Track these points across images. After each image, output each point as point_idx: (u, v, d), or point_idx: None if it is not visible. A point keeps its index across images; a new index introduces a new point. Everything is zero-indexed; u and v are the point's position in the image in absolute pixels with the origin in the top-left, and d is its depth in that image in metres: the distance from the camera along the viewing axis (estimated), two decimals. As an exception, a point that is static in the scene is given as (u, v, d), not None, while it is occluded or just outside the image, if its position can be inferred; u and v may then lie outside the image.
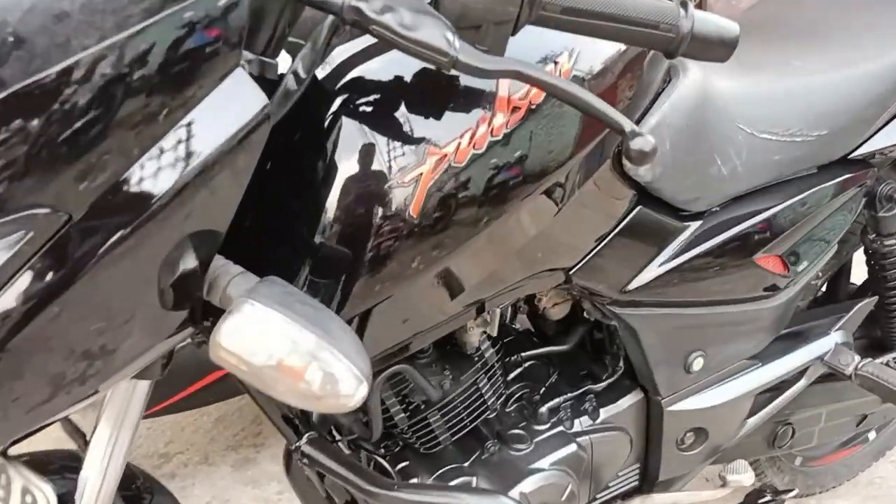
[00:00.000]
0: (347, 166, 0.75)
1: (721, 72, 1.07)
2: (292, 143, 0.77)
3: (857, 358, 1.28)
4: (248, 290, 0.63)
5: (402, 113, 0.77)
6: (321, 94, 0.75)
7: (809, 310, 1.41)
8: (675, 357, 1.15)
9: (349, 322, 0.82)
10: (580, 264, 0.99)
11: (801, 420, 1.44)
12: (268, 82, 0.68)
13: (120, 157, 0.56)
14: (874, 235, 1.30)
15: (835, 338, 1.31)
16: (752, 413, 1.29)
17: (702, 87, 1.04)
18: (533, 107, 0.81)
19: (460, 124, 0.78)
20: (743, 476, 1.29)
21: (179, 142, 0.59)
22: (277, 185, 0.77)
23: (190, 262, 0.64)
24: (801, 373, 1.30)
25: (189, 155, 0.59)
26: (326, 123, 0.75)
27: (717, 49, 0.73)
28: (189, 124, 0.59)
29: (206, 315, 0.69)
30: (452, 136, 0.77)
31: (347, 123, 0.75)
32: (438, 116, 0.78)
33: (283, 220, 0.79)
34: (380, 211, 0.76)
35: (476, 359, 1.08)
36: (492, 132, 0.79)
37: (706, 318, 1.14)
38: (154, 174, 0.58)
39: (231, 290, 0.65)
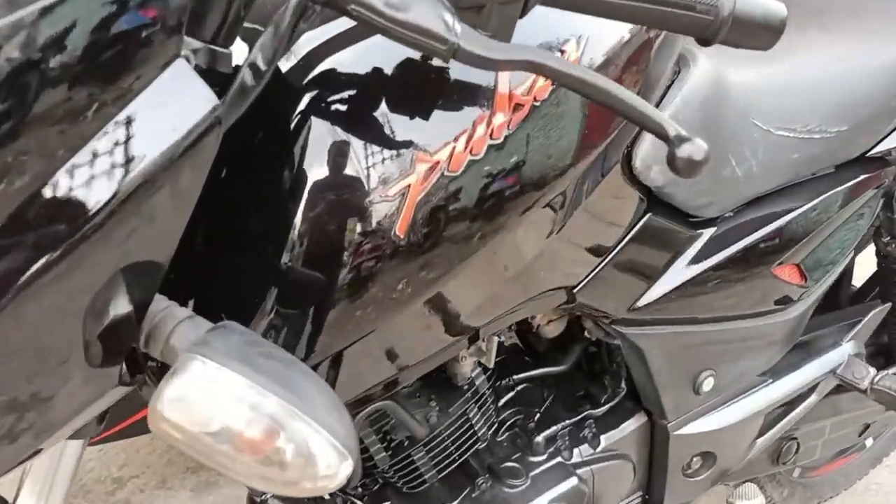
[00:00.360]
0: (318, 177, 0.63)
1: (732, 62, 0.97)
2: (251, 148, 0.65)
3: (873, 371, 1.19)
4: (196, 342, 0.50)
5: (384, 113, 0.64)
6: (286, 90, 0.64)
7: (815, 317, 1.31)
8: (683, 378, 1.05)
9: (325, 361, 0.69)
10: (585, 282, 0.88)
11: (806, 434, 1.36)
12: (220, 77, 0.55)
13: (42, 159, 0.45)
14: (888, 238, 1.21)
15: (847, 349, 1.22)
16: (761, 433, 1.19)
17: (714, 80, 0.93)
18: (537, 104, 0.69)
19: (454, 126, 0.66)
20: (753, 501, 1.20)
21: (108, 149, 0.47)
22: (233, 198, 0.65)
23: (122, 304, 0.51)
24: (812, 388, 1.21)
25: (121, 166, 0.48)
26: (293, 126, 0.63)
27: (760, 35, 0.62)
28: (122, 126, 0.48)
29: (146, 358, 0.56)
30: (445, 140, 0.65)
31: (318, 126, 0.63)
32: (428, 116, 0.66)
33: (241, 240, 0.67)
34: (359, 229, 0.64)
35: (466, 388, 0.96)
36: (491, 134, 0.67)
37: (718, 334, 1.04)
38: (80, 185, 0.47)
39: (175, 340, 0.52)
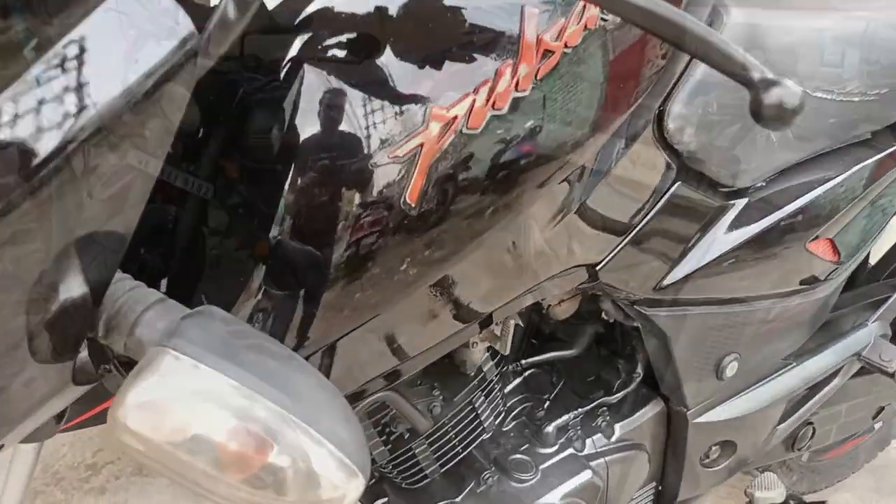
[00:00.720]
0: (312, 136, 0.54)
1: (767, 17, 0.88)
2: (233, 99, 0.55)
3: (901, 353, 1.12)
4: (167, 332, 0.41)
5: (390, 60, 0.55)
6: (273, 31, 0.54)
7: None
8: (707, 362, 0.97)
9: (318, 351, 0.60)
10: (609, 258, 0.79)
11: (822, 418, 1.29)
12: (196, 9, 0.46)
13: None
14: (923, 210, 1.13)
15: (872, 330, 1.15)
16: (782, 419, 1.12)
17: (748, 36, 0.85)
18: (568, 50, 0.60)
19: (474, 75, 0.57)
20: (773, 493, 1.13)
21: (51, 88, 0.37)
22: (212, 159, 0.56)
23: (74, 284, 0.41)
24: (836, 371, 1.13)
25: (68, 110, 0.38)
26: (283, 73, 0.54)
27: None
28: (68, 56, 0.38)
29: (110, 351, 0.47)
30: (464, 92, 0.56)
31: (312, 74, 0.54)
32: (443, 64, 0.57)
33: (222, 209, 0.57)
34: (359, 197, 0.55)
35: (473, 375, 0.87)
36: (516, 86, 0.57)
37: (745, 316, 0.96)
38: (17, 133, 0.37)
39: (142, 330, 0.43)
